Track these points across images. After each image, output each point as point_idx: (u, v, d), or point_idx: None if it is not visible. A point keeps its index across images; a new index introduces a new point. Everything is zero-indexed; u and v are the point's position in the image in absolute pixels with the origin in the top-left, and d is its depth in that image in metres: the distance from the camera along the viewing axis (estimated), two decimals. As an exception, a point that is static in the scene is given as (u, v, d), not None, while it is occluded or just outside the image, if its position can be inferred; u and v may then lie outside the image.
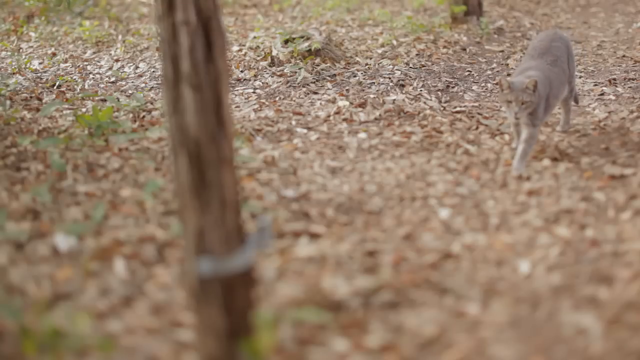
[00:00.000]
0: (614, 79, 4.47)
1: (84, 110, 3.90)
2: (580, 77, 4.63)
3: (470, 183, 2.95)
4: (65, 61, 5.14)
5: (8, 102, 3.84)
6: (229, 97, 1.61)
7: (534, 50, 3.43)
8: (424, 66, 4.72)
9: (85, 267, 2.16)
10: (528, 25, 6.19)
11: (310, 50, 4.66)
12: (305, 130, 3.64)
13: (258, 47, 5.06)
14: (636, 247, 2.27)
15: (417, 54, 4.99)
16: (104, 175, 2.92)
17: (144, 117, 3.80)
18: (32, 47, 5.61)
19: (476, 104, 4.11)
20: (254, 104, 4.02)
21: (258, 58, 4.85)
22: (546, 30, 4.00)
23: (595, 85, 4.41)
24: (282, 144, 3.44)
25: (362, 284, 2.10)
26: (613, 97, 4.12)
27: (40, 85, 4.46)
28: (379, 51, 5.04)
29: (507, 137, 3.62)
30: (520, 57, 5.17)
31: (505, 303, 2.01)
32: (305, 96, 4.13)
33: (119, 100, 3.94)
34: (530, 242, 2.40)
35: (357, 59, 4.82)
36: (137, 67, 4.94)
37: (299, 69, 4.46)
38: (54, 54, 5.35)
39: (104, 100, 4.04)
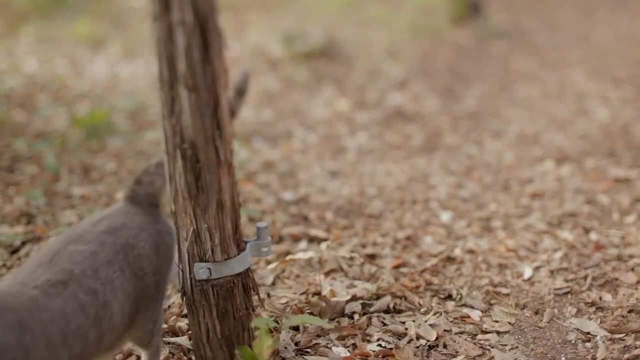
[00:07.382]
0: (617, 79, 4.44)
1: (79, 111, 3.86)
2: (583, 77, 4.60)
3: (472, 185, 2.91)
4: (61, 61, 5.10)
5: (3, 103, 3.80)
6: (227, 98, 1.57)
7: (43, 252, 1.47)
8: (424, 66, 4.69)
9: (79, 272, 2.11)
10: (528, 25, 6.16)
11: (310, 50, 4.64)
12: (304, 131, 3.60)
13: (258, 47, 5.03)
14: (641, 251, 2.23)
15: (417, 54, 4.96)
16: (100, 177, 2.88)
17: (140, 118, 3.76)
18: (27, 47, 5.57)
19: (476, 104, 4.08)
20: (253, 105, 3.99)
21: (258, 58, 4.82)
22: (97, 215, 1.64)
23: (598, 85, 4.38)
24: (281, 146, 3.40)
25: (362, 289, 2.06)
26: (616, 98, 4.09)
27: (35, 86, 4.42)
28: (379, 51, 5.00)
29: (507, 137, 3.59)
30: (521, 57, 5.13)
31: (508, 308, 1.98)
32: (305, 96, 4.09)
33: (115, 102, 3.90)
34: (534, 246, 2.36)
35: (357, 59, 4.78)
36: (133, 68, 4.90)
37: (299, 69, 4.43)
38: (50, 54, 5.31)
39: (100, 102, 4.00)
